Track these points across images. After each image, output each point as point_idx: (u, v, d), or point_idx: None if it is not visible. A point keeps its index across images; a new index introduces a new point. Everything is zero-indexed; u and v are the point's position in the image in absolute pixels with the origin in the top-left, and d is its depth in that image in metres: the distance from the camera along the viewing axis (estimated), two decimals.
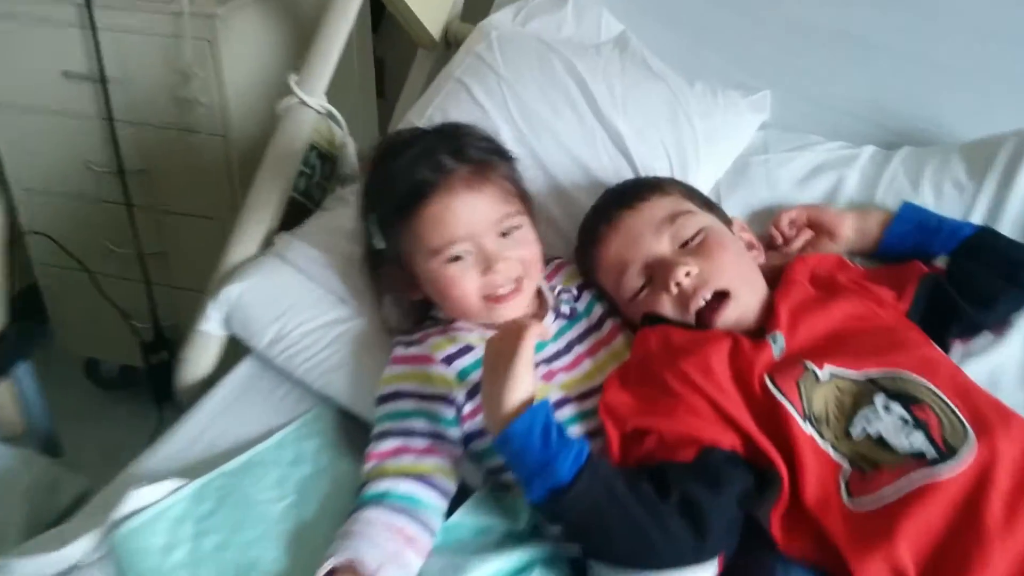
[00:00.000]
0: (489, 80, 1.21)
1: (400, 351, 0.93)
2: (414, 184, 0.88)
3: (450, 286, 0.90)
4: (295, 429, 0.98)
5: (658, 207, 0.94)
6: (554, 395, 0.89)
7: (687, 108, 1.19)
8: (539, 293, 0.98)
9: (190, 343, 1.11)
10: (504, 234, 0.90)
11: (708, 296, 0.89)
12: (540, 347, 0.92)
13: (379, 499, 0.82)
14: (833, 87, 1.28)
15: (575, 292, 1.00)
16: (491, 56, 1.23)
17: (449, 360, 0.90)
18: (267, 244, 1.14)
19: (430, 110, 1.22)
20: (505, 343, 0.78)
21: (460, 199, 0.88)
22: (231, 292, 1.07)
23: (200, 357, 1.11)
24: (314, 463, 0.95)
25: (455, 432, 0.89)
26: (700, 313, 0.89)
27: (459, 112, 1.19)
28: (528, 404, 0.75)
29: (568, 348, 0.95)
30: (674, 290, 0.89)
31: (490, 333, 0.86)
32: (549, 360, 0.93)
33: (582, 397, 0.90)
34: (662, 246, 0.92)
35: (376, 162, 0.95)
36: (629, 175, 1.13)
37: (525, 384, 0.76)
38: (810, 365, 0.81)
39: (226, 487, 0.88)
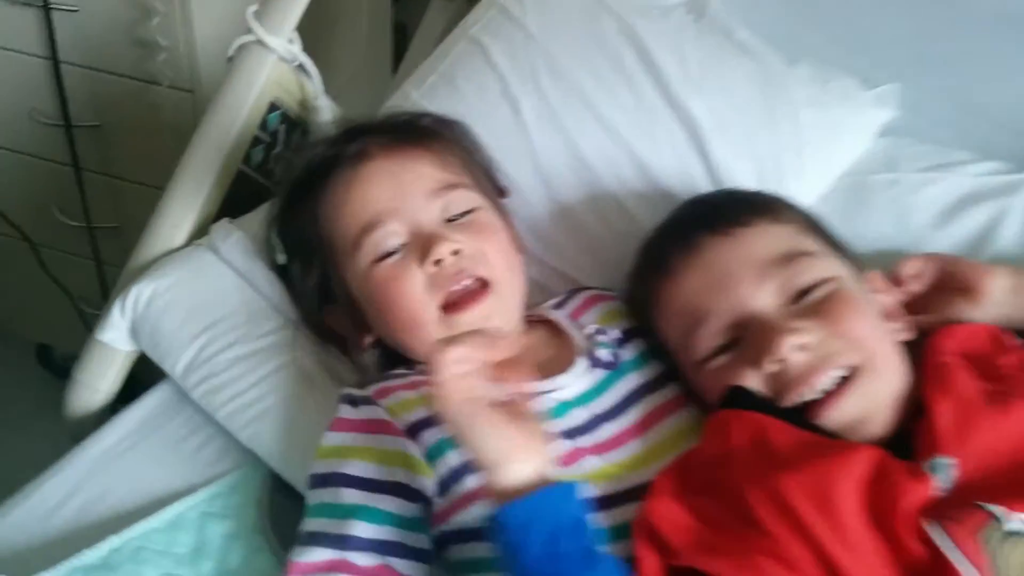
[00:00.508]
0: (515, 40, 0.92)
1: (347, 411, 0.65)
2: (326, 159, 0.71)
3: (388, 293, 0.67)
4: (203, 501, 0.70)
5: (766, 239, 0.66)
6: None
7: (788, 95, 0.88)
8: (555, 328, 0.71)
9: (86, 357, 0.83)
10: (451, 219, 0.69)
11: (827, 383, 0.59)
12: (562, 410, 0.63)
13: None
14: (987, 86, 0.93)
15: (619, 335, 0.72)
16: (519, 9, 0.94)
17: (415, 430, 0.62)
18: (201, 233, 0.85)
19: (433, 77, 0.93)
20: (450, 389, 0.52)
21: (378, 170, 0.69)
22: (141, 294, 0.79)
23: (98, 378, 0.83)
24: (221, 560, 0.66)
25: (421, 540, 0.60)
26: (809, 403, 0.59)
27: (470, 81, 0.90)
28: (532, 485, 0.51)
29: (607, 416, 0.66)
30: (773, 367, 0.60)
31: None
32: (573, 433, 0.64)
33: (621, 498, 0.61)
34: (765, 298, 0.64)
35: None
36: (701, 178, 0.84)
37: (509, 445, 0.51)
38: (997, 511, 0.50)
39: None
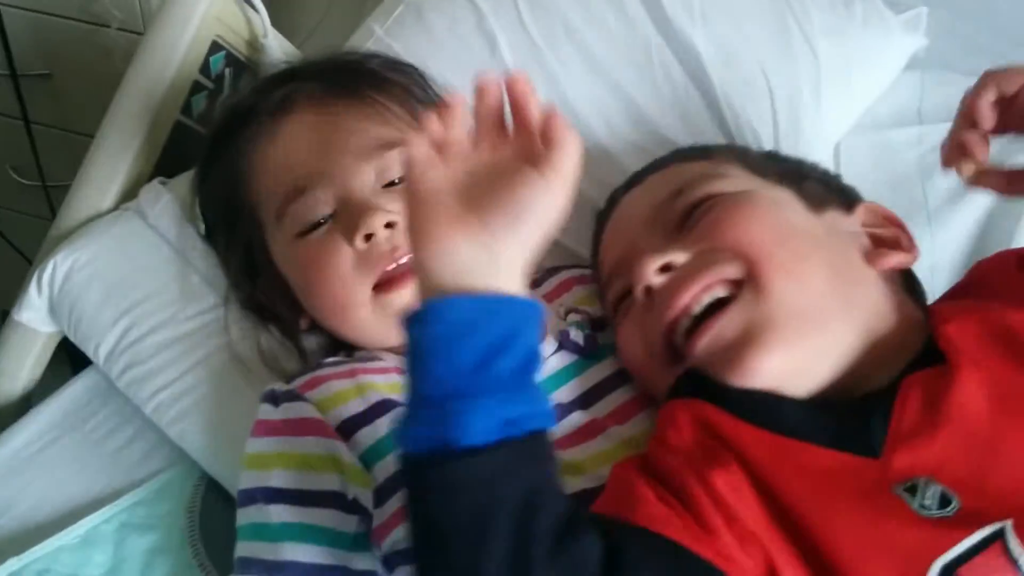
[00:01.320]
0: None
1: (267, 411, 0.56)
2: (247, 107, 0.62)
3: (313, 273, 0.59)
4: (123, 510, 0.62)
5: (671, 178, 0.59)
6: None
7: (804, 22, 0.78)
8: None
9: (3, 340, 0.74)
10: (389, 185, 0.60)
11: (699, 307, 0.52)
12: None
13: None
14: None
15: (588, 317, 0.63)
16: None
17: (349, 430, 0.53)
18: (128, 196, 0.75)
19: (400, 8, 0.83)
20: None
21: (299, 118, 0.61)
22: (59, 266, 0.70)
23: (16, 364, 0.74)
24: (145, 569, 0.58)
25: (366, 560, 0.51)
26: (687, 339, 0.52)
27: (441, 14, 0.81)
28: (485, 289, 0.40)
29: (576, 405, 0.57)
30: (640, 296, 0.53)
31: None
32: None
33: (589, 498, 0.52)
34: (650, 237, 0.57)
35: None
36: (704, 122, 0.73)
37: (458, 239, 0.40)
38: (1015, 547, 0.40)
39: None
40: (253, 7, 0.79)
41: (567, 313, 0.62)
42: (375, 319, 0.57)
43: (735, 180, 0.58)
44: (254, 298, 0.65)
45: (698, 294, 0.51)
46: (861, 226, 0.58)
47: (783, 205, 0.56)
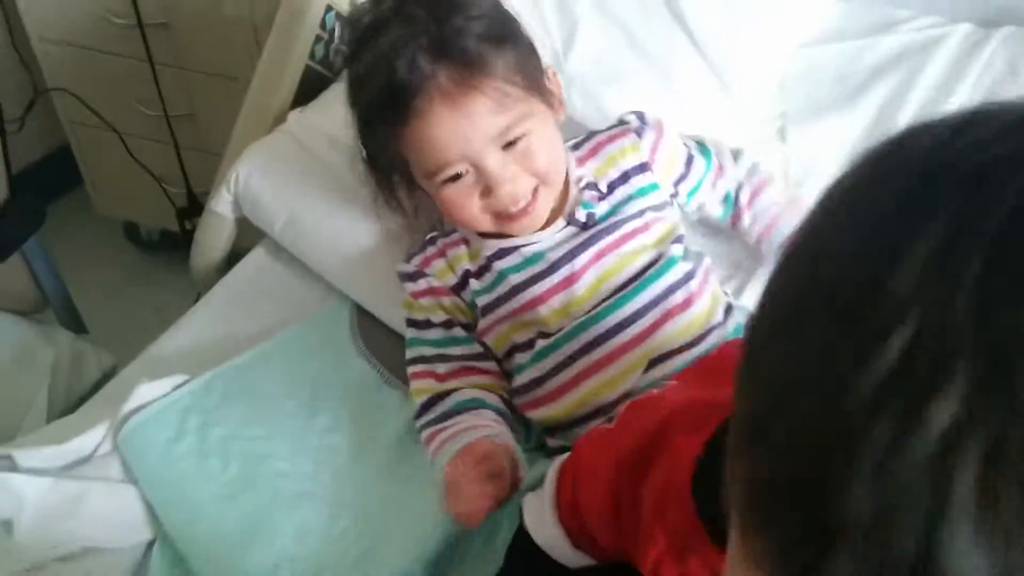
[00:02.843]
0: None
1: (412, 286, 0.90)
2: (391, 89, 0.78)
3: (451, 208, 0.84)
4: (306, 324, 0.99)
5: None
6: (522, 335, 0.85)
7: None
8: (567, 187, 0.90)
9: (202, 224, 1.11)
10: (509, 143, 0.81)
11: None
12: (532, 261, 0.87)
13: (457, 408, 0.82)
14: None
15: (605, 188, 0.90)
16: None
17: (457, 289, 0.89)
18: (280, 119, 1.10)
19: None
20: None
21: (440, 120, 0.78)
22: (240, 174, 1.05)
23: (213, 240, 1.11)
24: (323, 360, 0.95)
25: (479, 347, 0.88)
26: None
27: None
28: None
29: (566, 258, 0.86)
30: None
31: (499, 245, 0.85)
32: (536, 278, 0.86)
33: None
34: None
35: (353, 39, 0.84)
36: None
37: None
38: None
39: (234, 381, 0.91)
40: None
41: (584, 188, 0.88)
42: (489, 229, 0.86)
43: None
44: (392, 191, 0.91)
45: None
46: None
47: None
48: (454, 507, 0.71)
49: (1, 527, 0.75)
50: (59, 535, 0.76)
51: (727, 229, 0.98)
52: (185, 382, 0.89)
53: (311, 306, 1.02)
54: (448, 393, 0.83)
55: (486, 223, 0.85)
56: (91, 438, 0.84)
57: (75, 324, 1.23)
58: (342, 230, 1.01)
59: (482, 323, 0.87)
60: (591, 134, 0.93)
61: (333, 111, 1.08)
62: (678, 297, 0.84)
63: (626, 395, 0.80)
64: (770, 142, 1.07)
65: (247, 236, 1.13)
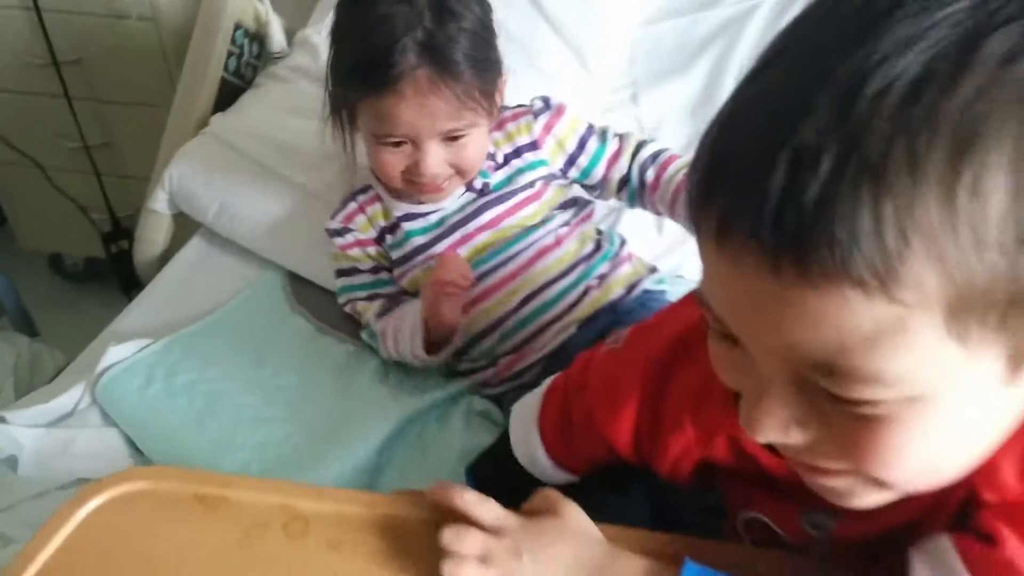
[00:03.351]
0: None
1: (340, 240, 1.05)
2: (372, 66, 0.87)
3: (378, 161, 0.96)
4: (245, 294, 1.16)
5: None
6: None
7: None
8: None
9: (142, 223, 1.27)
10: (450, 138, 0.93)
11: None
12: (434, 226, 1.03)
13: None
14: None
15: (501, 159, 1.03)
16: None
17: (379, 241, 1.06)
18: (203, 125, 1.27)
19: None
20: None
21: (409, 104, 0.88)
22: (173, 174, 1.22)
23: (154, 235, 1.27)
24: (265, 321, 1.12)
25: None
26: None
27: None
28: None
29: (457, 225, 1.02)
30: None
31: (407, 209, 1.02)
32: (432, 242, 1.02)
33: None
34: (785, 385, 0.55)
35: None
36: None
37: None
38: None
39: (190, 343, 1.07)
40: (262, 1, 1.30)
41: (487, 158, 1.01)
42: (399, 188, 0.99)
43: (924, 361, 0.37)
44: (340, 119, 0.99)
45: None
46: None
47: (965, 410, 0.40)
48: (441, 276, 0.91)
49: (5, 464, 0.89)
50: (55, 472, 0.90)
51: (648, 206, 1.06)
52: (147, 345, 1.05)
53: (248, 280, 1.18)
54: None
55: (397, 181, 0.97)
56: (71, 396, 0.99)
57: (29, 329, 1.35)
58: (268, 209, 1.19)
59: (396, 271, 1.06)
60: (501, 109, 1.03)
61: (250, 112, 1.26)
62: (550, 238, 1.01)
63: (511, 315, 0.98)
64: (624, 106, 1.30)
65: (180, 233, 1.29)
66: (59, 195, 1.82)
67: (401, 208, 1.04)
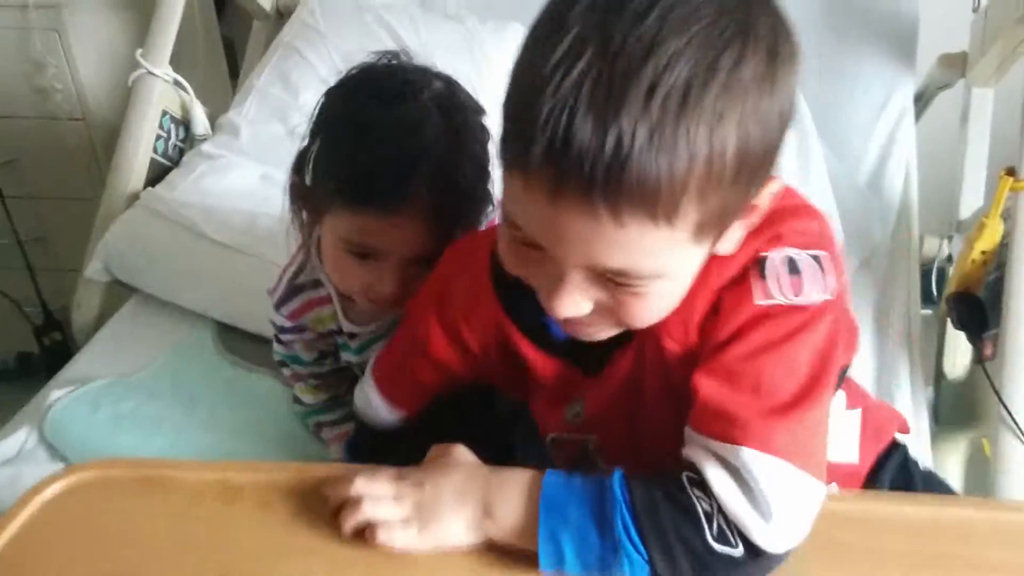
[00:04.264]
0: (314, 40, 1.50)
1: (284, 337, 1.01)
2: (369, 184, 0.79)
3: (335, 268, 0.87)
4: (179, 345, 1.26)
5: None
6: None
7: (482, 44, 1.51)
8: None
9: (79, 292, 1.37)
10: (410, 261, 0.83)
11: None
12: None
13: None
14: None
15: None
16: (314, 20, 1.53)
17: (324, 336, 1.00)
18: (134, 199, 1.40)
19: (267, 71, 1.49)
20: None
21: (393, 225, 0.80)
22: (108, 242, 1.33)
23: (87, 300, 1.37)
24: (200, 365, 1.23)
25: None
26: None
27: (296, 72, 1.47)
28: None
29: None
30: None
31: (354, 330, 0.95)
32: None
33: None
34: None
35: (353, 85, 0.83)
36: None
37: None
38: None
39: (131, 383, 1.17)
40: (183, 88, 1.46)
41: None
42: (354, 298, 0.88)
43: (675, 256, 0.58)
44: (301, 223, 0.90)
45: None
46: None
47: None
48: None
49: None
50: (2, 507, 0.97)
51: None
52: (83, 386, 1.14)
53: (180, 334, 1.29)
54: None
55: (353, 291, 0.88)
56: (15, 439, 1.07)
57: None
58: (194, 265, 1.30)
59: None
60: None
61: (176, 185, 1.40)
62: None
63: None
64: None
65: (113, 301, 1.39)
66: None
67: (348, 326, 0.96)
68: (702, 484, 0.60)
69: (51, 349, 1.97)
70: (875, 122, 1.46)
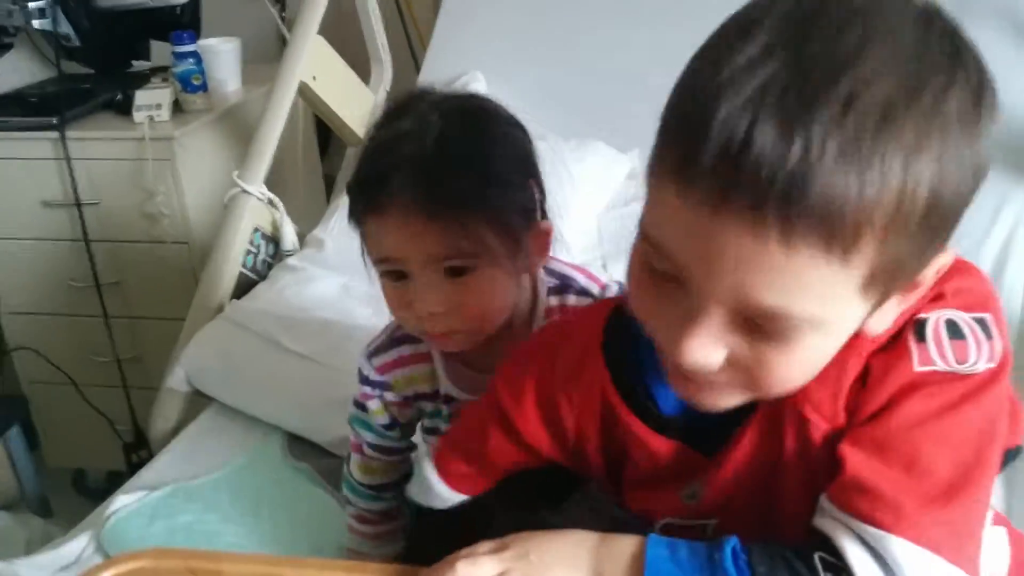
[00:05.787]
0: None
1: (364, 390, 0.95)
2: (360, 188, 0.81)
3: (388, 300, 0.85)
4: (248, 454, 1.24)
5: None
6: None
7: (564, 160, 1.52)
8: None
9: (159, 401, 1.38)
10: (453, 271, 0.79)
11: None
12: None
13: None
14: None
15: None
16: None
17: (408, 401, 0.96)
18: (219, 311, 1.42)
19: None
20: None
21: (393, 226, 0.78)
22: (190, 352, 1.35)
23: (167, 411, 1.38)
24: (267, 476, 1.20)
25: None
26: None
27: None
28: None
29: None
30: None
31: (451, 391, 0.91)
32: None
33: None
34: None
35: (378, 122, 0.85)
36: None
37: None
38: None
39: (193, 491, 1.15)
40: (276, 207, 1.51)
41: None
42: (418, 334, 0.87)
43: (838, 302, 0.51)
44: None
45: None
46: None
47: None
48: None
49: None
50: None
51: None
52: (150, 493, 1.12)
53: (252, 444, 1.27)
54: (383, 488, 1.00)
55: (412, 325, 0.85)
56: (77, 543, 1.05)
57: (44, 511, 1.42)
58: (270, 376, 1.30)
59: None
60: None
61: (260, 297, 1.42)
62: None
63: None
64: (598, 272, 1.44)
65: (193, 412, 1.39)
66: (87, 409, 1.94)
67: (446, 385, 0.92)
68: (837, 569, 0.53)
69: (138, 466, 1.98)
70: (989, 229, 1.39)
